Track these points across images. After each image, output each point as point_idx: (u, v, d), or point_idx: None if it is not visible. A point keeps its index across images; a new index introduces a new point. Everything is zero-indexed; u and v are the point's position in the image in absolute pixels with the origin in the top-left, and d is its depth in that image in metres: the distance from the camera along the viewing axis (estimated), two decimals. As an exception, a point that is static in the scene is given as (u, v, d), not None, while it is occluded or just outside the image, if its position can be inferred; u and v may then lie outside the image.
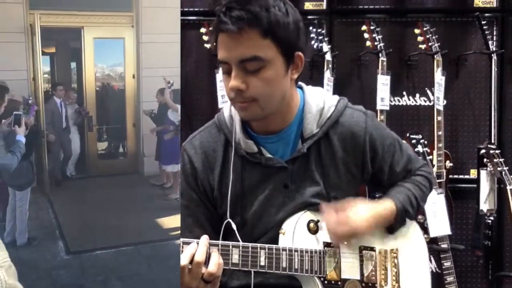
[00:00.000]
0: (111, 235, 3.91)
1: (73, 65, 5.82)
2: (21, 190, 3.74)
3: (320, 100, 1.38)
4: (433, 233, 2.57)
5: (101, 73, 5.45)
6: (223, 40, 1.22)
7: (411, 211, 1.44)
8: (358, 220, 1.32)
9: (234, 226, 1.32)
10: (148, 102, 4.94)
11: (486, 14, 2.79)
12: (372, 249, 1.40)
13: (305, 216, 1.34)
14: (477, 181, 2.63)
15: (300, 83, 1.40)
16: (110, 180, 5.05)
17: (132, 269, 3.48)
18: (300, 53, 1.27)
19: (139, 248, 3.74)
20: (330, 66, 2.70)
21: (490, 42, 2.72)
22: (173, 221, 4.13)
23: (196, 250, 1.20)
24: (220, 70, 1.39)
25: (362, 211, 1.33)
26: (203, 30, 2.78)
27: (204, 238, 1.21)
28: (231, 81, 1.23)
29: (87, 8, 4.78)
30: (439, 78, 2.69)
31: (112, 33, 5.08)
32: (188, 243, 1.21)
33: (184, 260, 1.18)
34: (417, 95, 2.89)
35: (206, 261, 1.19)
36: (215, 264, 1.19)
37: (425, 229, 2.52)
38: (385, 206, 1.39)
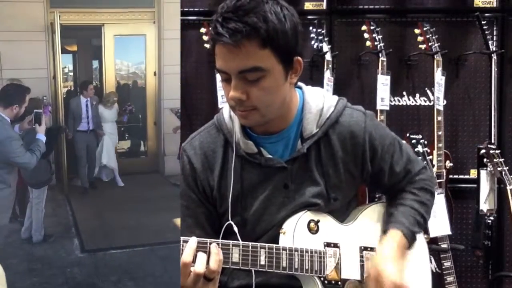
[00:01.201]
0: (128, 234, 3.90)
1: (96, 63, 5.75)
2: (37, 188, 3.73)
3: (319, 100, 1.38)
4: (433, 233, 2.57)
5: (126, 71, 5.39)
6: (221, 51, 1.20)
7: (420, 230, 1.46)
8: (397, 276, 1.31)
9: (235, 229, 1.32)
10: (169, 100, 4.88)
11: (486, 14, 2.80)
12: (372, 249, 1.40)
13: (305, 216, 1.34)
14: (477, 181, 2.63)
15: (299, 83, 1.39)
16: (130, 179, 5.02)
17: (146, 270, 3.45)
18: (299, 58, 1.26)
19: (154, 248, 3.71)
20: (330, 66, 2.70)
21: (490, 42, 2.72)
22: None
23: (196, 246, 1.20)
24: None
25: (391, 268, 1.32)
26: (203, 30, 2.78)
27: (193, 241, 1.20)
28: (231, 92, 1.22)
29: (107, 5, 4.73)
30: (439, 78, 2.69)
31: (133, 30, 4.99)
32: (188, 241, 1.21)
33: (186, 257, 1.18)
34: (417, 95, 2.89)
35: (194, 260, 1.19)
36: (215, 261, 1.19)
37: (425, 229, 2.51)
38: (398, 242, 1.38)
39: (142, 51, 5.09)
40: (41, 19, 4.52)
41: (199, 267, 1.18)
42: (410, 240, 1.41)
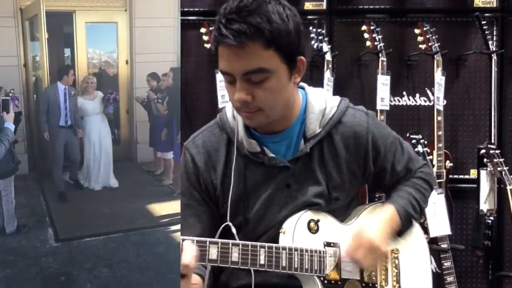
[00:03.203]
0: (102, 222, 3.90)
1: (67, 51, 5.64)
2: (2, 179, 3.59)
3: (322, 101, 1.38)
4: (433, 233, 2.57)
5: (98, 60, 5.31)
6: (225, 52, 1.19)
7: (414, 214, 1.46)
8: (371, 233, 1.32)
9: (234, 230, 1.32)
10: (141, 88, 4.84)
11: (486, 14, 2.79)
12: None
13: (305, 216, 1.34)
14: (477, 181, 2.63)
15: (301, 83, 1.40)
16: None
17: (120, 256, 3.47)
18: (302, 57, 1.27)
19: (128, 234, 3.73)
20: (330, 66, 2.70)
21: (490, 42, 2.72)
22: (163, 208, 4.13)
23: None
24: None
25: (370, 225, 1.34)
26: (203, 30, 2.78)
27: (190, 243, 1.20)
28: (236, 94, 1.22)
29: None
30: (439, 78, 2.69)
31: (105, 17, 4.94)
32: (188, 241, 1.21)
33: (186, 259, 1.17)
34: (417, 95, 2.89)
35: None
36: (189, 257, 1.17)
37: (425, 229, 2.52)
38: (390, 214, 1.40)
39: (114, 39, 5.03)
40: (9, 5, 4.43)
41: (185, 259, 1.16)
42: (404, 219, 1.41)
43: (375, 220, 1.37)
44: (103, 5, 4.84)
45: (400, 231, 1.43)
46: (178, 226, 3.77)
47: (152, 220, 3.97)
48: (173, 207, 4.11)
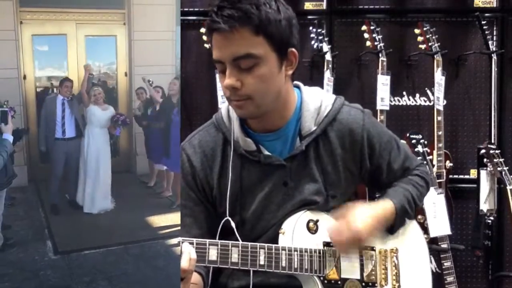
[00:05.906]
0: (101, 234, 3.85)
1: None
2: None
3: (317, 99, 1.39)
4: (433, 233, 2.57)
5: (97, 72, 5.31)
6: (216, 39, 1.23)
7: (409, 210, 1.45)
8: (359, 224, 1.30)
9: (233, 224, 1.32)
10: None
11: (486, 14, 2.80)
12: (372, 248, 1.40)
13: (304, 216, 1.34)
14: (477, 181, 2.64)
15: (297, 82, 1.41)
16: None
17: (119, 269, 3.44)
18: (293, 50, 1.28)
19: (127, 247, 3.69)
20: (330, 66, 2.70)
21: (490, 42, 2.72)
22: (163, 220, 4.09)
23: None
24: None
25: (362, 215, 1.32)
26: (203, 30, 2.78)
27: (189, 246, 1.20)
28: (225, 80, 1.24)
29: (78, 6, 4.70)
30: (439, 78, 2.69)
31: (104, 30, 4.99)
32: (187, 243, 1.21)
33: (184, 263, 1.17)
34: (417, 95, 2.89)
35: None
36: (187, 260, 1.18)
37: (425, 229, 2.52)
38: (384, 206, 1.40)
39: (113, 52, 5.08)
40: (10, 18, 4.44)
41: (183, 262, 1.17)
42: (399, 214, 1.40)
43: (368, 212, 1.34)
44: (102, 19, 4.90)
45: (393, 227, 1.42)
46: (178, 239, 3.73)
47: (151, 232, 3.93)
48: (173, 219, 4.06)
